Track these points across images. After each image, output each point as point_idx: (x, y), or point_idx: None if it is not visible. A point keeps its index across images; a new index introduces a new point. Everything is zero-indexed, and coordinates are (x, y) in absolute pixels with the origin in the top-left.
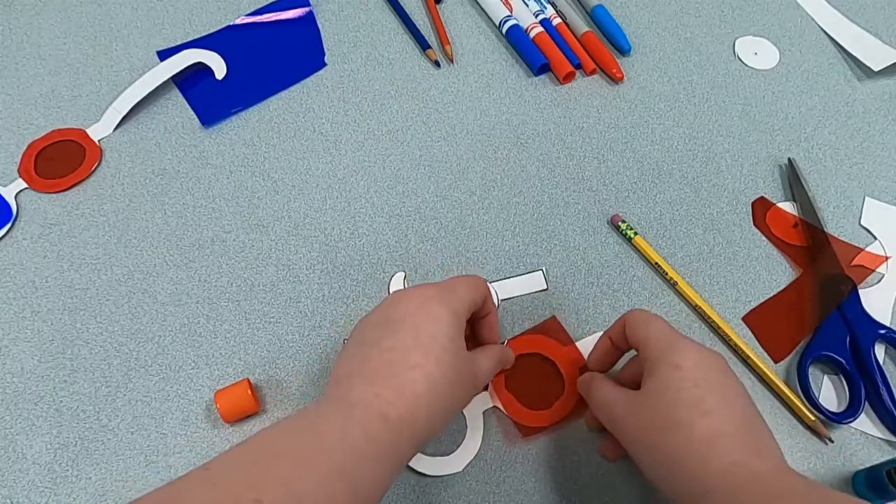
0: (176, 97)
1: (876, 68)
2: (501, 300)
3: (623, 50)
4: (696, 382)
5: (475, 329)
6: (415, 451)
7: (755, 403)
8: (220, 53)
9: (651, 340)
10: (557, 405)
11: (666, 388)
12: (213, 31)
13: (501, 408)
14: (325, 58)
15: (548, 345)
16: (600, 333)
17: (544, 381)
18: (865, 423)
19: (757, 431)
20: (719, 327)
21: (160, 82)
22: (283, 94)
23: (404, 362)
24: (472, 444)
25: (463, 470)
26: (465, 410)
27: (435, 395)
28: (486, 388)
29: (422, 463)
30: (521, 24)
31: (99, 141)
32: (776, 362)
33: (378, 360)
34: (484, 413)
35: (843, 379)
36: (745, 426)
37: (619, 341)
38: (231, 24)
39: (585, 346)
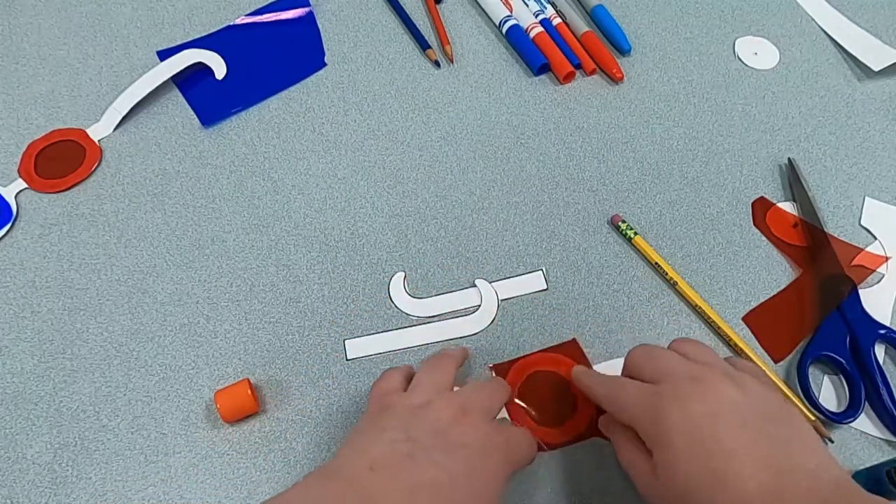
0: (176, 97)
1: (876, 68)
2: (501, 300)
3: (623, 50)
4: (696, 454)
5: None
6: None
7: (770, 393)
8: (220, 53)
9: (634, 422)
10: (569, 424)
11: (670, 469)
12: (213, 31)
13: (511, 421)
14: (325, 58)
15: (565, 365)
16: (620, 360)
17: (557, 400)
18: (865, 423)
19: (780, 449)
20: (719, 327)
21: (160, 82)
22: (283, 94)
23: (449, 498)
24: None
25: None
26: None
27: None
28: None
29: None
30: (521, 24)
31: (99, 141)
32: (776, 362)
33: (423, 474)
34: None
35: (843, 379)
36: (765, 460)
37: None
38: (231, 24)
39: (604, 369)
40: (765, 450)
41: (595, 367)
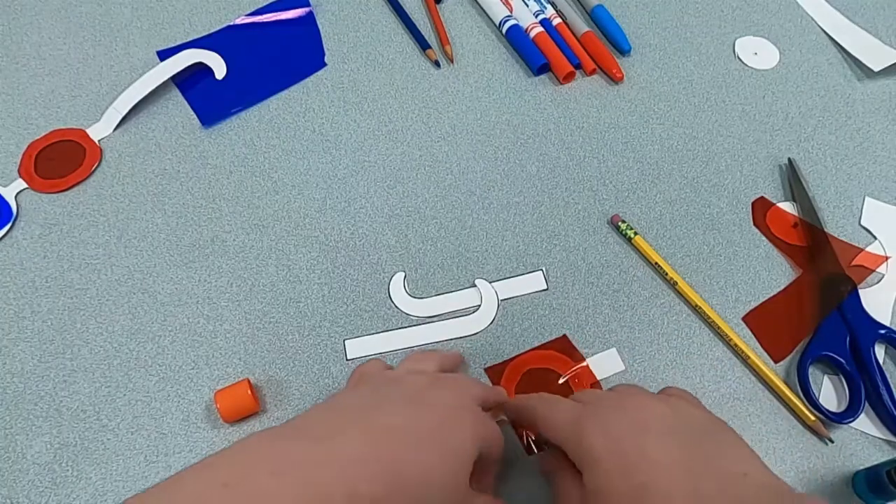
0: (176, 97)
1: (876, 68)
2: (501, 300)
3: (623, 50)
4: (621, 471)
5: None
6: None
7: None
8: (220, 53)
9: (563, 442)
10: None
11: (599, 493)
12: (213, 31)
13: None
14: (325, 58)
15: (559, 361)
16: (614, 350)
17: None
18: (865, 423)
19: (709, 459)
20: (719, 327)
21: (160, 82)
22: (283, 94)
23: (415, 445)
24: None
25: None
26: None
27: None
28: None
29: None
30: (521, 24)
31: (99, 141)
32: (776, 362)
33: (382, 419)
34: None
35: (843, 379)
36: (694, 469)
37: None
38: (231, 23)
39: (597, 362)
40: (693, 459)
41: (588, 360)
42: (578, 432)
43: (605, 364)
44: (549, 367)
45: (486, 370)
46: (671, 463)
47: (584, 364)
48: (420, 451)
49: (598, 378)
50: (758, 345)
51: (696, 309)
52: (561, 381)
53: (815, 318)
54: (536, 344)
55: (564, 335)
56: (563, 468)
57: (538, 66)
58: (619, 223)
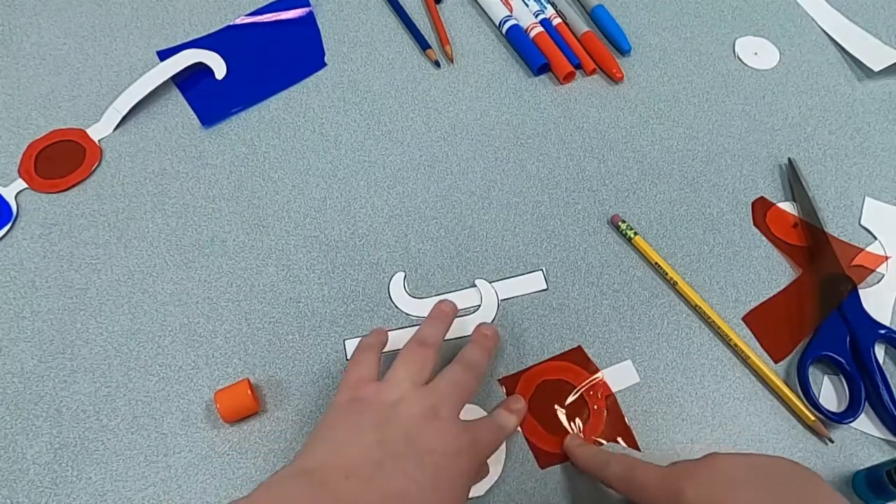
0: (176, 97)
1: (876, 68)
2: (501, 300)
3: (623, 50)
4: None
5: None
6: None
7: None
8: (220, 53)
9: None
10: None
11: None
12: (213, 31)
13: (524, 432)
14: (325, 58)
15: (573, 372)
16: (629, 363)
17: (569, 409)
18: (865, 423)
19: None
20: (719, 327)
21: (160, 82)
22: (283, 94)
23: (419, 499)
24: (494, 470)
25: (485, 494)
26: None
27: None
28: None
29: None
30: (521, 24)
31: (99, 141)
32: (776, 362)
33: (392, 484)
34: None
35: (843, 379)
36: None
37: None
38: (231, 23)
39: (612, 374)
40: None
41: (602, 373)
42: (674, 491)
43: (620, 376)
44: (563, 378)
45: (501, 381)
46: None
47: (599, 376)
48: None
49: (614, 391)
50: (758, 345)
51: (696, 309)
52: (572, 397)
53: (815, 318)
54: (537, 344)
55: (579, 346)
56: (633, 467)
57: (538, 66)
58: (619, 223)
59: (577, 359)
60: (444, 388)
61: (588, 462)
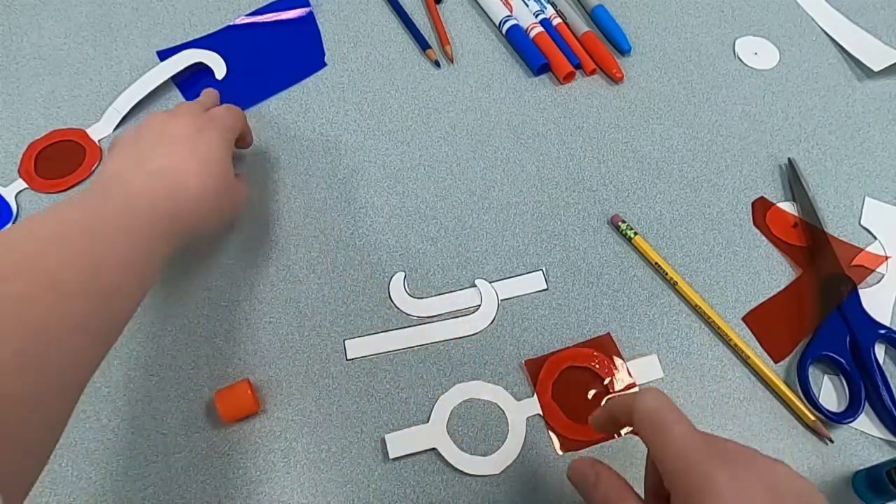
0: (176, 97)
1: (876, 68)
2: (501, 300)
3: (623, 50)
4: None
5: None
6: (169, 250)
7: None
8: (220, 53)
9: (670, 472)
10: None
11: None
12: (213, 31)
13: (545, 417)
14: (325, 58)
15: (599, 360)
16: (655, 357)
17: (591, 397)
18: (865, 423)
19: None
20: (719, 327)
21: (160, 82)
22: (283, 94)
23: (184, 170)
24: (512, 448)
25: (500, 473)
26: (508, 414)
27: (203, 202)
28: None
29: (460, 460)
30: (521, 24)
31: (99, 141)
32: (776, 362)
33: (157, 163)
34: (528, 419)
35: (843, 379)
36: None
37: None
38: (231, 23)
39: (637, 365)
40: None
41: (629, 363)
42: (704, 474)
43: (645, 369)
44: (588, 365)
45: (525, 363)
46: None
47: (625, 367)
48: (189, 172)
49: (637, 383)
50: (758, 345)
51: (696, 309)
52: (591, 393)
53: (815, 318)
54: (538, 344)
55: (608, 333)
56: (624, 498)
57: (538, 66)
58: (619, 223)
59: (605, 346)
60: (212, 118)
61: (616, 407)
